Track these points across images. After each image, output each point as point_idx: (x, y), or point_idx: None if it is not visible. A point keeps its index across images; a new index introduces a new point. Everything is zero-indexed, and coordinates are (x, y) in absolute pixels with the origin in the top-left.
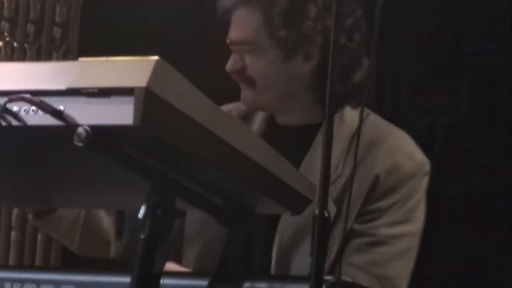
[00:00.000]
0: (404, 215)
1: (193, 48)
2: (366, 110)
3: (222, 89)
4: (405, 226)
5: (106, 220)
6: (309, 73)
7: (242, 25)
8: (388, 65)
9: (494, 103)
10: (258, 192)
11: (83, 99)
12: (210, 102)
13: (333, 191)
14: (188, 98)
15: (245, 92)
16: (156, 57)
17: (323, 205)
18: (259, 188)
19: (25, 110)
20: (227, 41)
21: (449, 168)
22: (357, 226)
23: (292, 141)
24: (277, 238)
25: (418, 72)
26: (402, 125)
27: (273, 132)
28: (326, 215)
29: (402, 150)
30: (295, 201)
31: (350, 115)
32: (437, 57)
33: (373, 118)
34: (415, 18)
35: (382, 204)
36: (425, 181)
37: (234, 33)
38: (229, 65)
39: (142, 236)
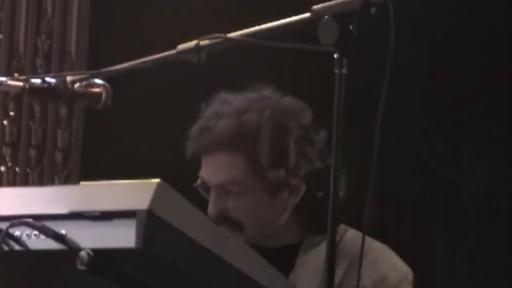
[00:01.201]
0: None
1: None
2: (343, 226)
3: None
4: None
5: None
6: (295, 205)
7: (227, 167)
8: (388, 185)
9: (497, 233)
10: None
11: (85, 223)
12: (211, 223)
13: None
14: (189, 219)
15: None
16: (157, 180)
17: None
18: None
19: (27, 235)
20: (206, 182)
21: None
22: None
23: (274, 261)
24: None
25: (417, 192)
26: (403, 243)
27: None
28: None
29: (386, 262)
30: None
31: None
32: (434, 175)
33: (351, 233)
34: (414, 138)
35: None
36: None
37: (217, 176)
38: (211, 210)
39: None
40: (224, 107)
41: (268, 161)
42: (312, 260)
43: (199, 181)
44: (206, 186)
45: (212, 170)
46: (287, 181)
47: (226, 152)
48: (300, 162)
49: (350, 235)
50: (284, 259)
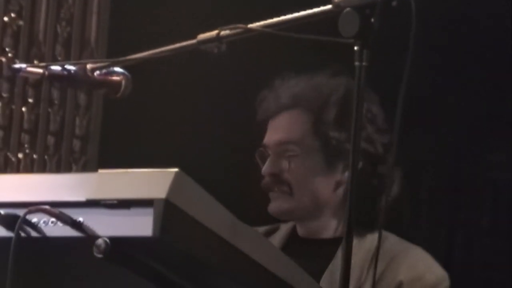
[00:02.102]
0: None
1: (213, 162)
2: (385, 233)
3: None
4: None
5: None
6: (345, 185)
7: (288, 126)
8: (407, 178)
9: None
10: None
11: (102, 211)
12: (229, 213)
13: None
14: (207, 210)
15: (277, 200)
16: (175, 169)
17: None
18: None
19: (44, 222)
20: (266, 144)
21: (469, 283)
22: None
23: (313, 254)
24: None
25: (437, 186)
26: (421, 238)
27: (294, 245)
28: None
29: (424, 263)
30: None
31: (376, 236)
32: (457, 171)
33: (394, 238)
34: (434, 132)
35: None
36: None
37: (277, 134)
38: (266, 168)
39: None
40: (299, 81)
41: (333, 120)
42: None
43: (260, 149)
44: (265, 151)
45: (276, 129)
46: (346, 149)
47: (294, 110)
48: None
49: (393, 239)
50: (325, 252)
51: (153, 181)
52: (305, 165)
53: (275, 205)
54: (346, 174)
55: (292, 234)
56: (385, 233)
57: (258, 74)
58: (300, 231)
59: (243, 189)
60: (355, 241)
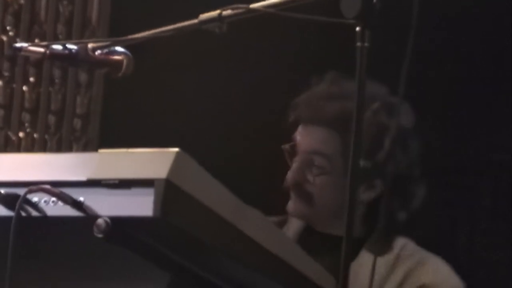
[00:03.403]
0: None
1: (215, 142)
2: (405, 240)
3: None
4: None
5: None
6: (367, 201)
7: (321, 139)
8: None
9: None
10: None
11: (103, 190)
12: (230, 194)
13: None
14: (208, 190)
15: (297, 204)
16: (176, 149)
17: None
18: (281, 282)
19: (45, 201)
20: (297, 144)
21: (470, 264)
22: None
23: (332, 249)
24: None
25: (439, 167)
26: (423, 220)
27: (310, 239)
28: None
29: (444, 271)
30: None
31: (399, 242)
32: (458, 152)
33: (412, 246)
34: (436, 114)
35: None
36: None
37: (309, 143)
38: (291, 176)
39: None
40: (335, 88)
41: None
42: (372, 257)
43: (288, 145)
44: (294, 151)
45: (308, 137)
46: (369, 174)
47: (327, 129)
48: (387, 163)
49: (412, 247)
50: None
51: (154, 161)
52: (330, 183)
53: (294, 208)
54: (367, 193)
55: (308, 227)
56: (404, 240)
57: (261, 54)
58: (318, 227)
59: (244, 169)
60: (381, 245)
